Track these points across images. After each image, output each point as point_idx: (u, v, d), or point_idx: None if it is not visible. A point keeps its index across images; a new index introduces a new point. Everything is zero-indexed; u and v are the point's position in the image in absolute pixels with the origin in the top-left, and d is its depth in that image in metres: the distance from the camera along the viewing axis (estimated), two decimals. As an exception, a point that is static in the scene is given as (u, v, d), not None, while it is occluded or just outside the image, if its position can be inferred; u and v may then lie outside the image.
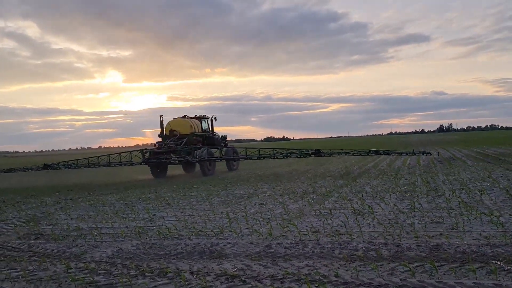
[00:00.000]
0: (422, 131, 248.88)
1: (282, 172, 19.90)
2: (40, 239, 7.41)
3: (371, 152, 19.87)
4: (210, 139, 23.05)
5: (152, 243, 6.46)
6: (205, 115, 23.99)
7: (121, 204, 11.64)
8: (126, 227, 8.03)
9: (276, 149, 20.60)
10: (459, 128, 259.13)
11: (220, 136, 24.34)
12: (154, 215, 9.25)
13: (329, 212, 8.00)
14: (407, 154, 20.70)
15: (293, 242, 5.94)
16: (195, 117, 23.44)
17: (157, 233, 7.03)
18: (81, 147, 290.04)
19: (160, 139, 22.40)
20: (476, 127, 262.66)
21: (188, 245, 6.17)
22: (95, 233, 7.39)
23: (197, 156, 20.16)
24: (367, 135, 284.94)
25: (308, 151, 20.13)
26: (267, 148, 21.11)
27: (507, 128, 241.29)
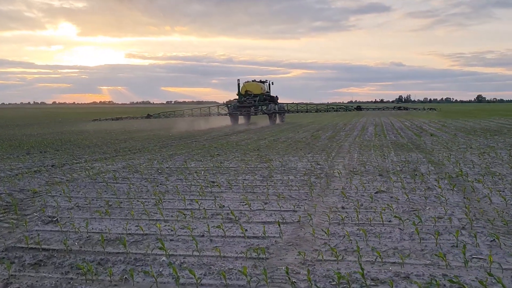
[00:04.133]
0: (382, 101, 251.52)
1: (299, 138, 16.46)
2: (47, 266, 3.63)
3: (395, 107, 29.82)
4: (272, 98, 30.83)
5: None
6: (266, 80, 31.78)
7: (138, 178, 7.86)
8: (203, 236, 4.37)
9: (329, 105, 28.37)
10: (416, 100, 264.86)
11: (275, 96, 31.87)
12: (224, 206, 5.61)
13: None
14: (419, 110, 28.77)
15: None
16: (260, 81, 30.78)
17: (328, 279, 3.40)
18: (34, 101, 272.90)
19: (237, 97, 29.79)
20: (432, 99, 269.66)
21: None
22: (159, 254, 3.69)
23: (269, 109, 28.48)
24: (327, 103, 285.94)
25: (352, 106, 28.95)
26: (322, 104, 31.53)
27: (461, 101, 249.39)
